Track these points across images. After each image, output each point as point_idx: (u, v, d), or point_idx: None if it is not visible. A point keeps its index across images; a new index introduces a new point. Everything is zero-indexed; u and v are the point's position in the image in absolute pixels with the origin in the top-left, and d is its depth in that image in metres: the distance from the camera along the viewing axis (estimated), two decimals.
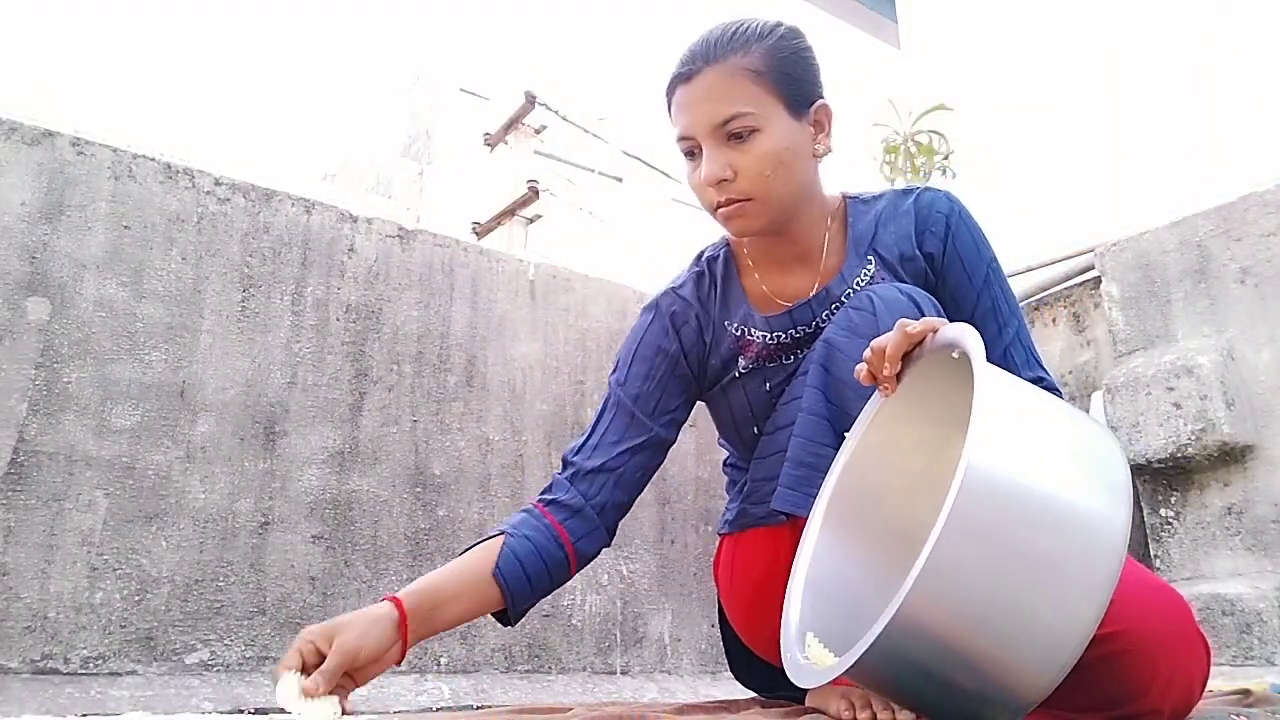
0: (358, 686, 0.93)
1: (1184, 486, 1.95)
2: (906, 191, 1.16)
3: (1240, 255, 1.95)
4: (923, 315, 0.99)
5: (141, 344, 1.72)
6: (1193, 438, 1.87)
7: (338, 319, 1.95)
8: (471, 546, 1.05)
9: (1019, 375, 1.01)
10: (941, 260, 1.10)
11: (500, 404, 2.12)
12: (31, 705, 1.40)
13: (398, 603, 0.95)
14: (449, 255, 2.15)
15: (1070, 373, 2.46)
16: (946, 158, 3.24)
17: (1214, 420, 1.85)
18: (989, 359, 0.93)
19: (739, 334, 1.15)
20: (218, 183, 1.89)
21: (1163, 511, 1.98)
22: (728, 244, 1.20)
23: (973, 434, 0.70)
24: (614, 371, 1.18)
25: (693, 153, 1.07)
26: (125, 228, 1.76)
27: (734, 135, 1.02)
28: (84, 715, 1.39)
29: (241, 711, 1.53)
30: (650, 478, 1.16)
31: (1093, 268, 2.35)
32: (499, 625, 1.08)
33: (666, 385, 1.15)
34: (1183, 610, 0.92)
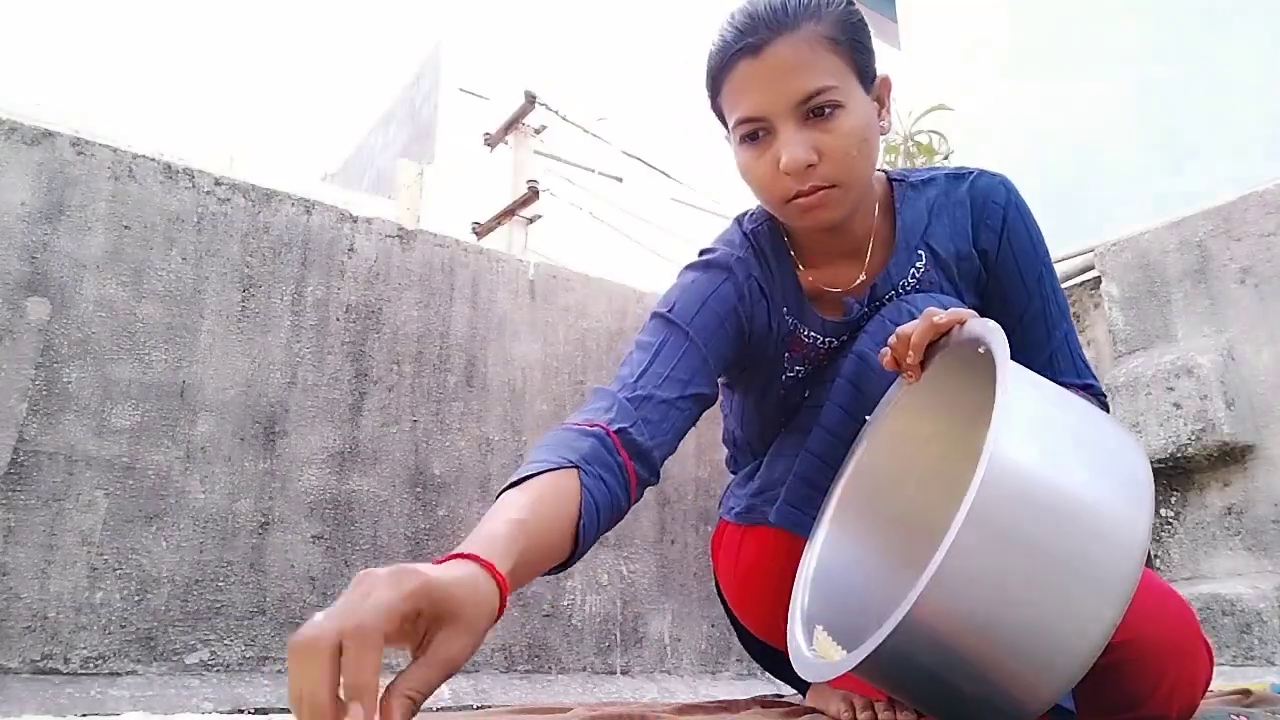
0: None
1: (1184, 486, 1.95)
2: (960, 175, 1.05)
3: (1240, 255, 1.95)
4: None
5: (141, 344, 1.72)
6: (1193, 438, 1.87)
7: (338, 319, 1.95)
8: (536, 474, 0.80)
9: (1064, 381, 0.95)
10: (995, 257, 1.02)
11: (500, 404, 2.12)
12: (31, 705, 1.40)
13: (503, 588, 0.65)
14: (449, 255, 2.15)
15: None
16: (946, 158, 3.24)
17: (1214, 420, 1.85)
18: (1035, 363, 0.90)
19: (792, 328, 1.04)
20: (218, 183, 1.89)
21: (1163, 511, 1.98)
22: (769, 218, 1.06)
23: (994, 431, 0.68)
24: (668, 310, 1.00)
25: (756, 135, 0.92)
26: (125, 228, 1.76)
27: (817, 114, 0.89)
28: (84, 715, 1.39)
29: (241, 711, 1.53)
30: (699, 409, 0.99)
31: (1093, 268, 2.35)
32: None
33: (726, 349, 1.00)
34: (1188, 617, 0.93)
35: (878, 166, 1.01)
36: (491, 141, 9.04)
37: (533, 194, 8.28)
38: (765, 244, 1.05)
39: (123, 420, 1.66)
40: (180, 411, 1.73)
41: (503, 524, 0.71)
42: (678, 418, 0.93)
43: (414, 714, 0.55)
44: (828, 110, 0.89)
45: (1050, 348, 1.00)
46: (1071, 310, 2.49)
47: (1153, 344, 2.05)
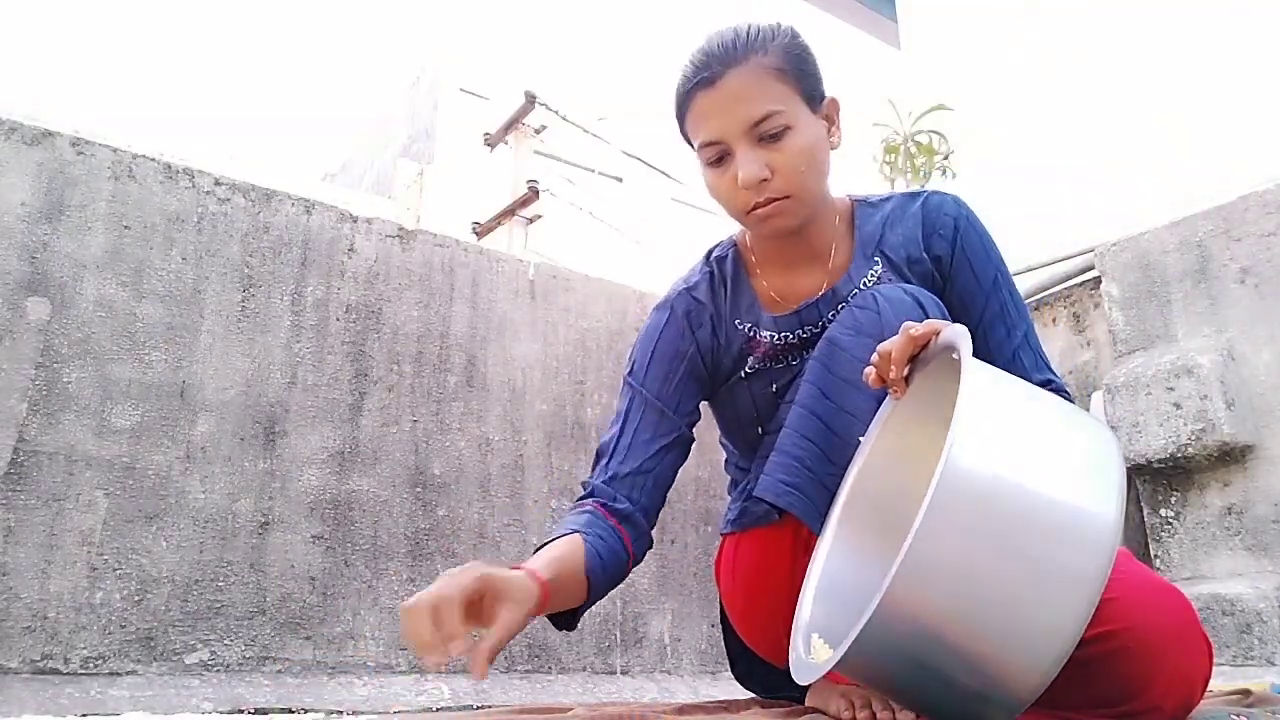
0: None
1: (1184, 486, 1.95)
2: (914, 195, 1.15)
3: (1240, 255, 1.95)
4: (926, 315, 0.98)
5: (141, 344, 1.72)
6: (1193, 438, 1.87)
7: (338, 319, 1.95)
8: (552, 540, 0.99)
9: (1029, 378, 1.00)
10: (950, 263, 1.10)
11: (500, 404, 2.12)
12: (31, 705, 1.40)
13: (542, 585, 0.88)
14: (449, 255, 2.15)
15: (1070, 373, 2.46)
16: (946, 158, 3.24)
17: (1214, 420, 1.85)
18: (998, 362, 0.93)
19: (749, 334, 1.14)
20: (218, 183, 1.89)
21: (1163, 511, 1.98)
22: (735, 244, 1.20)
23: (955, 429, 0.70)
24: (629, 372, 1.17)
25: (721, 159, 1.04)
26: (125, 228, 1.76)
27: (768, 135, 1.01)
28: (84, 715, 1.39)
29: (241, 711, 1.53)
30: (676, 476, 1.15)
31: (1093, 268, 2.35)
32: None
33: (686, 386, 1.15)
34: (1186, 610, 0.92)
35: (858, 188, 1.14)
36: (491, 141, 9.04)
37: (533, 194, 8.28)
38: (727, 266, 1.18)
39: (123, 420, 1.66)
40: (180, 411, 1.73)
41: (537, 559, 0.94)
42: (650, 477, 1.10)
43: (490, 660, 0.81)
44: (779, 132, 1.00)
45: (1012, 345, 1.06)
46: (1071, 310, 2.49)
47: (1153, 344, 2.05)
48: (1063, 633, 0.69)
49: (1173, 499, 1.96)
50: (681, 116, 1.08)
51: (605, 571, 1.01)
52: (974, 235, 1.10)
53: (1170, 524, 1.95)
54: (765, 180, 1.01)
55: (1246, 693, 1.15)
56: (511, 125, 8.84)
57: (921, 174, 3.21)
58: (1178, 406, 1.90)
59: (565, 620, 1.05)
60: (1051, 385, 1.05)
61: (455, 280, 2.14)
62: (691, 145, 1.09)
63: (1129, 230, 2.18)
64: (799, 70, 1.03)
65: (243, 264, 1.87)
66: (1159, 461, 1.93)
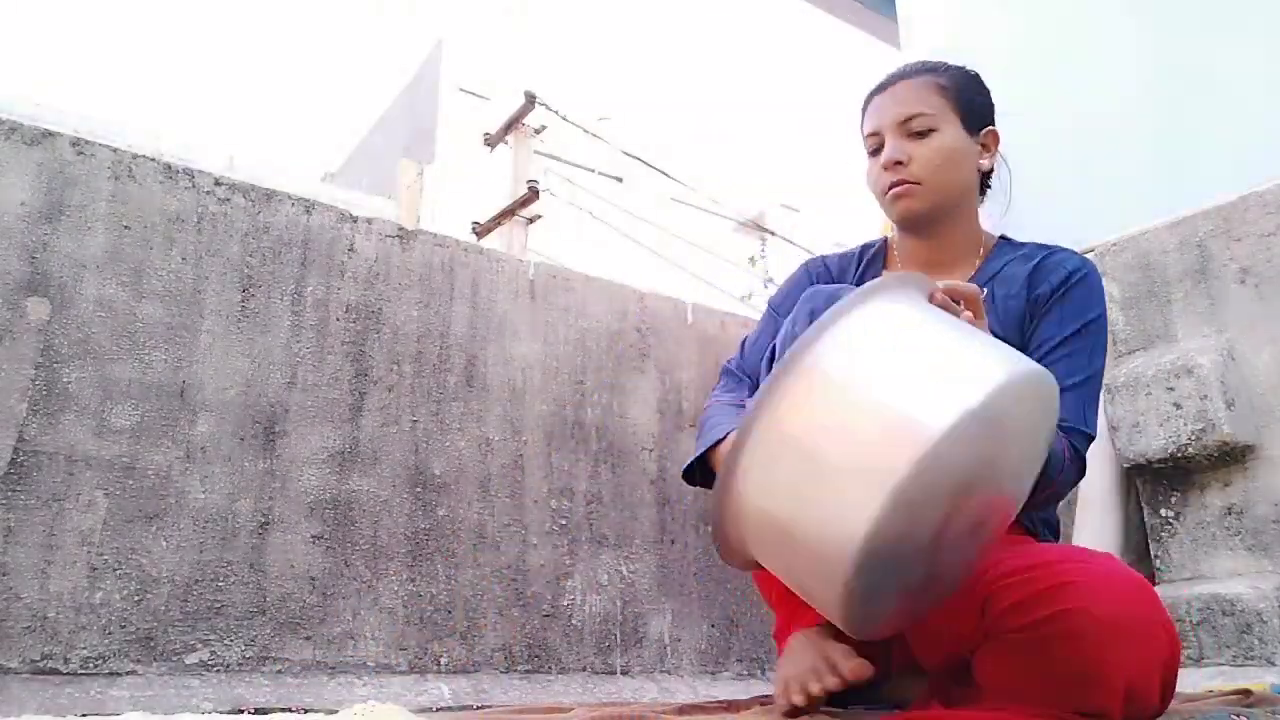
0: None
1: (1184, 486, 1.95)
2: (1052, 249, 1.26)
3: (1240, 255, 1.95)
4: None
5: (141, 344, 1.72)
6: (1193, 438, 1.87)
7: (338, 319, 1.95)
8: (724, 437, 1.16)
9: (1063, 419, 1.07)
10: (1046, 302, 1.19)
11: (500, 404, 2.12)
12: (31, 705, 1.40)
13: None
14: (449, 255, 2.15)
15: None
16: None
17: (1214, 420, 1.85)
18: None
19: None
20: (218, 183, 1.89)
21: (1163, 511, 1.98)
22: (885, 240, 1.37)
23: (837, 329, 0.82)
24: (770, 301, 1.39)
25: (877, 150, 1.24)
26: (125, 228, 1.76)
27: (914, 133, 1.20)
28: (84, 715, 1.39)
29: (241, 711, 1.53)
30: None
31: None
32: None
33: None
34: (1146, 601, 0.92)
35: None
36: (491, 141, 9.03)
37: (533, 194, 8.28)
38: (869, 253, 1.36)
39: (123, 420, 1.66)
40: (180, 411, 1.73)
41: None
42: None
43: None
44: (924, 131, 1.20)
45: (1064, 385, 1.10)
46: None
47: (1153, 344, 2.05)
48: (856, 520, 0.75)
49: (1173, 499, 1.96)
50: (862, 116, 1.28)
51: None
52: (1084, 287, 1.19)
53: (1170, 524, 1.95)
54: (901, 164, 1.20)
55: (1246, 693, 1.15)
56: (511, 125, 8.84)
57: None
58: (1178, 406, 1.90)
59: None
60: (1067, 431, 1.11)
61: (455, 280, 2.14)
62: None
63: (1129, 230, 2.18)
64: (962, 93, 1.23)
65: (243, 264, 1.87)
66: (1159, 461, 1.93)
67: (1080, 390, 1.15)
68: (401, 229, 2.10)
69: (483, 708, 1.72)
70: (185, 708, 1.52)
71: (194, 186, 1.85)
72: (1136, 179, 3.07)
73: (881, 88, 1.25)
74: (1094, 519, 2.15)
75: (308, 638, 1.75)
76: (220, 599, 1.69)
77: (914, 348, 0.83)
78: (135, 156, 1.81)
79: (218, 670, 1.65)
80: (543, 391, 2.20)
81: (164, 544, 1.65)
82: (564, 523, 2.13)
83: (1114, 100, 3.25)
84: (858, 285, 1.23)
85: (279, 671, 1.70)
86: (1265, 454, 1.85)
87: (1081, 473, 1.14)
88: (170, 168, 1.85)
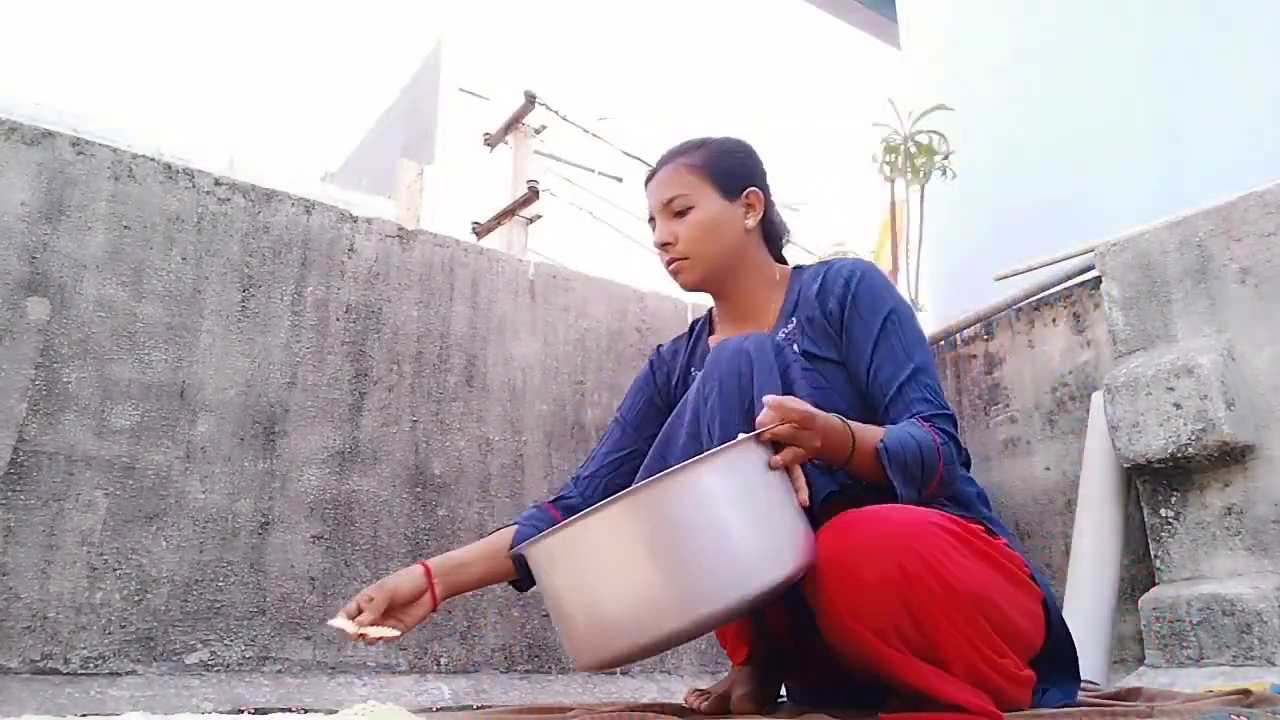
0: (407, 628, 1.17)
1: (1184, 486, 1.95)
2: (827, 263, 1.38)
3: (1240, 255, 1.95)
4: (754, 366, 1.18)
5: (141, 344, 1.72)
6: (1193, 438, 1.87)
7: (338, 319, 1.95)
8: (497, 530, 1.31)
9: (910, 410, 1.19)
10: (843, 316, 1.28)
11: (500, 404, 2.12)
12: (31, 705, 1.40)
13: (424, 562, 1.22)
14: (449, 255, 2.15)
15: (1070, 373, 2.46)
16: (946, 158, 3.23)
17: (1214, 420, 1.85)
18: (887, 396, 1.21)
19: (695, 377, 1.36)
20: (218, 183, 1.89)
21: (1163, 511, 1.98)
22: (709, 310, 1.49)
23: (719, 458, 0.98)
24: (619, 406, 1.49)
25: (655, 229, 1.37)
26: (125, 228, 1.76)
27: (676, 213, 1.33)
28: (84, 715, 1.39)
29: (241, 711, 1.53)
30: (634, 465, 1.41)
31: (1093, 268, 2.35)
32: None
33: (646, 414, 1.43)
34: (886, 540, 1.01)
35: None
36: (491, 141, 9.03)
37: (533, 194, 8.27)
38: (699, 325, 1.48)
39: (123, 420, 1.66)
40: (180, 411, 1.73)
41: (451, 553, 1.28)
42: (602, 480, 1.38)
43: (395, 637, 1.13)
44: (684, 210, 1.33)
45: (898, 381, 1.22)
46: (1071, 310, 2.49)
47: (1153, 344, 2.05)
48: (599, 651, 0.96)
49: (1173, 499, 1.96)
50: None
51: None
52: (864, 288, 1.28)
53: (1170, 524, 1.95)
54: (669, 243, 1.33)
55: (1246, 693, 1.15)
56: (511, 125, 8.83)
57: (921, 174, 3.21)
58: (1178, 406, 1.90)
59: (516, 585, 1.30)
60: (924, 414, 1.18)
61: (455, 280, 2.14)
62: None
63: (1129, 230, 2.18)
64: (713, 167, 1.34)
65: (243, 264, 1.87)
66: (1159, 461, 1.93)
67: (917, 381, 1.21)
68: (401, 229, 2.10)
69: (483, 708, 1.72)
70: (185, 708, 1.52)
71: (194, 186, 1.85)
72: (1136, 179, 3.07)
73: (650, 175, 1.39)
74: (1094, 519, 2.15)
75: (308, 638, 1.75)
76: (220, 599, 1.69)
77: (706, 527, 0.96)
78: (135, 156, 1.81)
79: (218, 670, 1.65)
80: (542, 391, 2.20)
81: (164, 544, 1.65)
82: None
83: (1114, 100, 3.25)
84: (689, 362, 1.43)
85: (279, 671, 1.70)
86: (1265, 454, 1.85)
87: (960, 448, 1.21)
88: (170, 168, 1.84)
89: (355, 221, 2.04)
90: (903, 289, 2.63)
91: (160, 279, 1.77)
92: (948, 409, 1.21)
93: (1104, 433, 2.12)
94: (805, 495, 1.04)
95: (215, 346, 1.79)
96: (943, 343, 2.82)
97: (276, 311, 1.88)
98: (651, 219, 1.39)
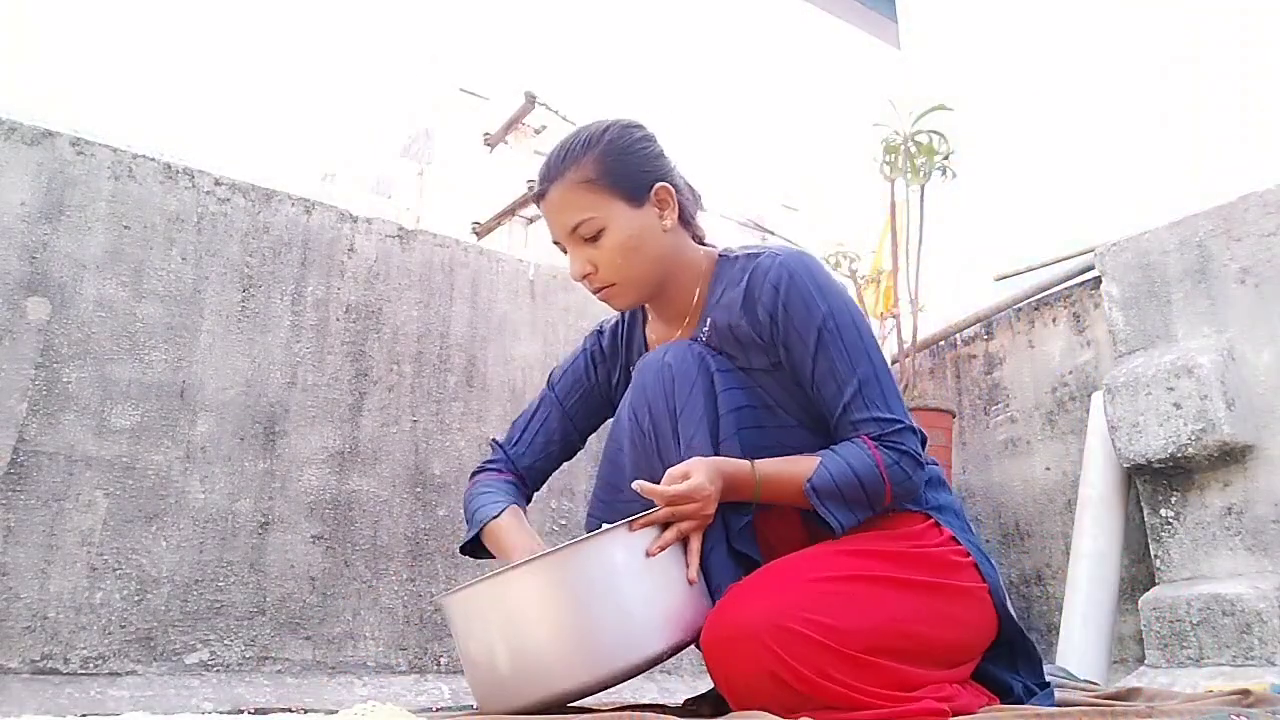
0: None
1: (1184, 486, 1.95)
2: (754, 254, 1.25)
3: (1240, 255, 1.95)
4: (675, 384, 1.17)
5: (141, 344, 1.72)
6: (1193, 438, 1.87)
7: (338, 319, 1.95)
8: (497, 515, 1.27)
9: (858, 430, 1.14)
10: (776, 328, 1.17)
11: (500, 404, 2.12)
12: (31, 705, 1.40)
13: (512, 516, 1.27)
14: (449, 255, 2.15)
15: (1070, 373, 2.46)
16: (946, 158, 3.23)
17: (1214, 420, 1.85)
18: (833, 415, 1.16)
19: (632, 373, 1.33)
20: (218, 183, 1.89)
21: (1163, 511, 1.98)
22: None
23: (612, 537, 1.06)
24: (550, 377, 1.44)
25: (565, 250, 1.24)
26: (125, 228, 1.76)
27: (587, 239, 1.19)
28: (84, 715, 1.39)
29: (241, 711, 1.53)
30: (561, 464, 1.43)
31: (1093, 268, 2.35)
32: None
33: (584, 406, 1.41)
34: (725, 618, 1.04)
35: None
36: (491, 141, 9.02)
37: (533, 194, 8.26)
38: (635, 314, 1.39)
39: (123, 420, 1.66)
40: (180, 411, 1.73)
41: (523, 539, 1.25)
42: (540, 472, 1.40)
43: None
44: (595, 234, 1.18)
45: (842, 400, 1.15)
46: (1071, 310, 2.49)
47: (1153, 344, 2.05)
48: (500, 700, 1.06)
49: (1173, 499, 1.96)
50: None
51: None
52: (794, 296, 1.16)
53: (1170, 524, 1.95)
54: (590, 274, 1.21)
55: (1246, 693, 1.15)
56: (511, 125, 8.83)
57: (921, 174, 3.21)
58: (1178, 406, 1.90)
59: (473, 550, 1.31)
60: (872, 425, 1.14)
61: (455, 280, 2.14)
62: None
63: (1129, 230, 2.18)
64: (610, 174, 1.19)
65: (243, 264, 1.87)
66: (1159, 461, 1.93)
67: (862, 397, 1.14)
68: (401, 229, 2.10)
69: None
70: (185, 708, 1.52)
71: (194, 186, 1.85)
72: (1136, 179, 3.07)
73: (540, 194, 1.24)
74: (1094, 519, 2.15)
75: (308, 638, 1.75)
76: (220, 599, 1.69)
77: (598, 599, 1.03)
78: (135, 156, 1.81)
79: (218, 670, 1.65)
80: None
81: (164, 544, 1.65)
82: (564, 523, 2.13)
83: (1114, 100, 3.25)
84: (627, 360, 1.38)
85: (279, 671, 1.70)
86: (1265, 454, 1.85)
87: (918, 461, 1.14)
88: (170, 168, 1.84)
89: (355, 221, 2.04)
90: (903, 289, 2.63)
91: (160, 279, 1.77)
92: (901, 419, 1.15)
93: (1104, 433, 2.12)
94: (693, 573, 1.08)
95: (215, 346, 1.79)
96: (943, 343, 2.82)
97: (276, 311, 1.88)
98: (556, 242, 1.25)
